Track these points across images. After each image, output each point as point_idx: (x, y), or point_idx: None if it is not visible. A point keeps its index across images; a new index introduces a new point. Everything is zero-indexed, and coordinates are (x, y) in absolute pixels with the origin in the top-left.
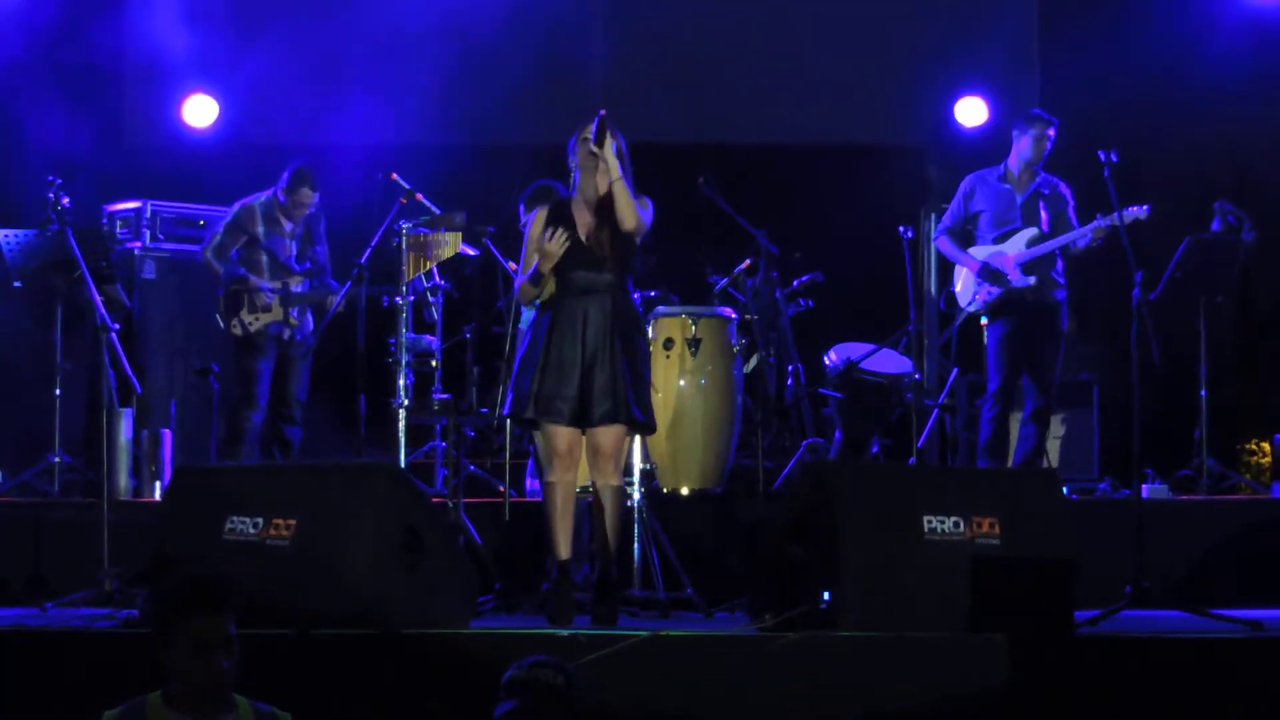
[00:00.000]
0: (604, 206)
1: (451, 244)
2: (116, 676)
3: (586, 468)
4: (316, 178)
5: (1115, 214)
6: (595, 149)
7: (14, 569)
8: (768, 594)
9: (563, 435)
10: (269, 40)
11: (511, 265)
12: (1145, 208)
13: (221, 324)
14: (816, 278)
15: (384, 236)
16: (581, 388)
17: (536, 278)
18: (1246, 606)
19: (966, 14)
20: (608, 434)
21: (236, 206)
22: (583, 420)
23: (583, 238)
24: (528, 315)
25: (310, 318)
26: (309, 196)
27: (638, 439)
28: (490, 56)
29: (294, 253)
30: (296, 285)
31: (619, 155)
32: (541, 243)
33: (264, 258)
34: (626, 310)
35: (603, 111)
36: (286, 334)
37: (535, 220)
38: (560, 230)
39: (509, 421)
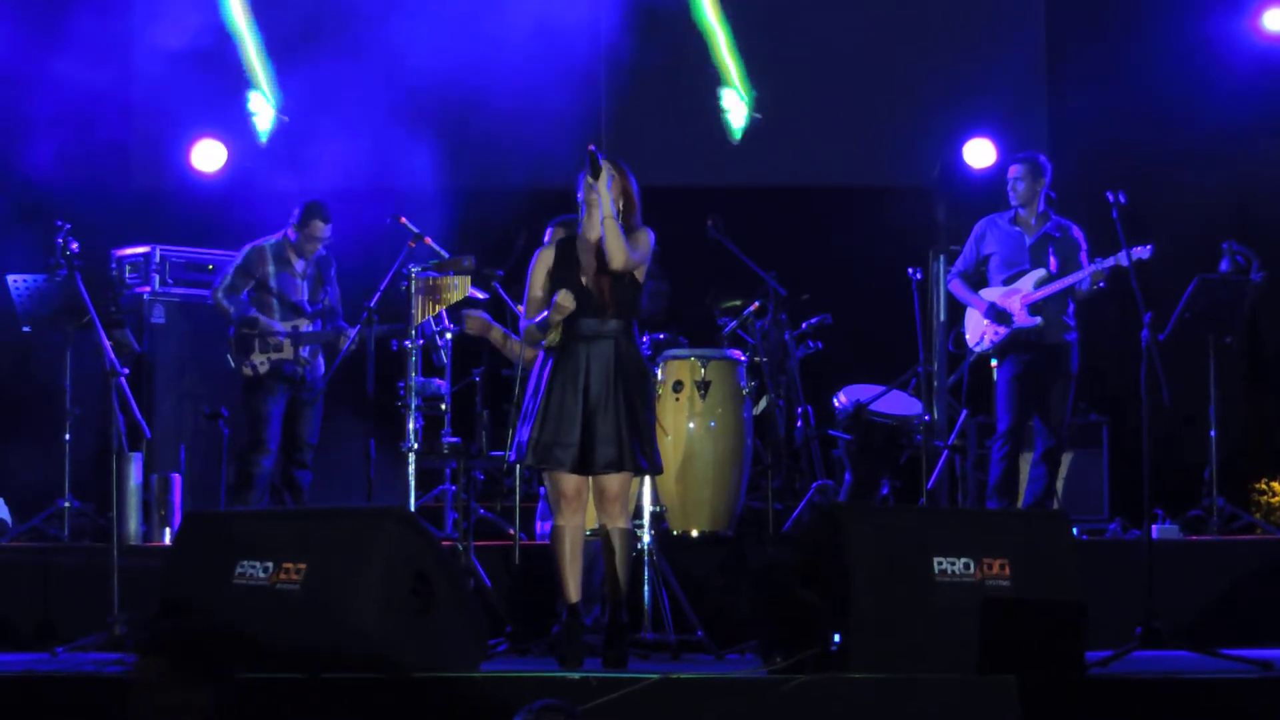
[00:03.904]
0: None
1: (460, 287)
2: None
3: (595, 508)
4: (328, 211)
5: (1117, 255)
6: (591, 179)
7: (24, 614)
8: (778, 636)
9: (568, 481)
10: (277, 85)
11: (520, 308)
12: (1149, 248)
13: (232, 364)
14: (825, 320)
15: (393, 280)
16: (583, 436)
17: (545, 326)
18: (1258, 646)
19: (974, 56)
20: (613, 479)
21: (247, 248)
22: (586, 468)
23: (586, 284)
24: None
25: (322, 359)
26: (321, 229)
27: (647, 481)
28: (498, 99)
29: (305, 293)
30: (308, 325)
31: (625, 192)
32: (554, 297)
33: (275, 299)
34: (631, 356)
35: (592, 147)
36: (298, 374)
37: (539, 259)
38: (568, 291)
39: (518, 465)
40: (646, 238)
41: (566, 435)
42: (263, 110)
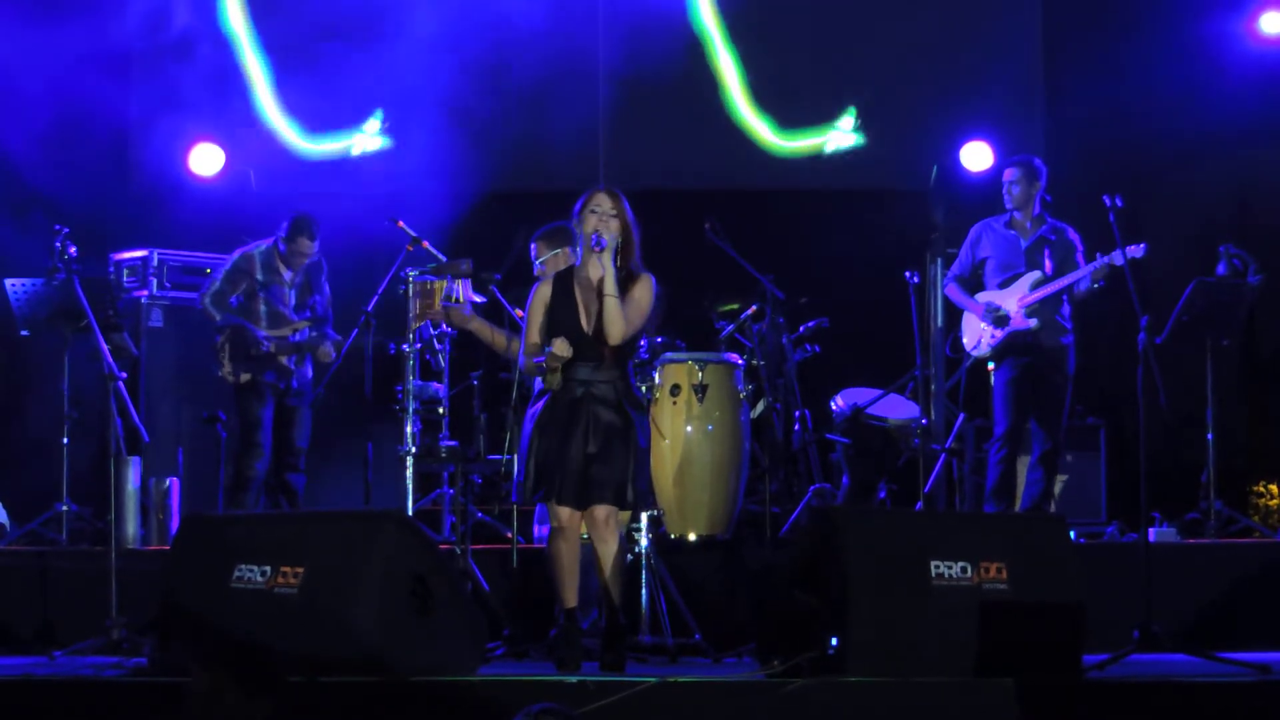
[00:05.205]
0: (602, 291)
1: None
2: None
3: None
4: (315, 227)
5: (1111, 254)
6: (596, 249)
7: (22, 617)
8: (776, 639)
9: (563, 511)
10: (276, 88)
11: (518, 312)
12: (1142, 247)
13: (217, 372)
14: (823, 323)
15: (390, 283)
16: (581, 477)
17: (543, 369)
18: (1255, 650)
19: (971, 59)
20: (602, 509)
21: (236, 254)
22: (581, 503)
23: (586, 330)
24: None
25: (309, 366)
26: (308, 246)
27: None
28: (496, 103)
29: (293, 302)
30: (294, 334)
31: (625, 228)
32: (551, 346)
33: (262, 306)
34: (630, 404)
35: (600, 242)
36: (284, 383)
37: (537, 294)
38: (564, 340)
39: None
40: (647, 292)
41: (559, 476)
42: (370, 133)
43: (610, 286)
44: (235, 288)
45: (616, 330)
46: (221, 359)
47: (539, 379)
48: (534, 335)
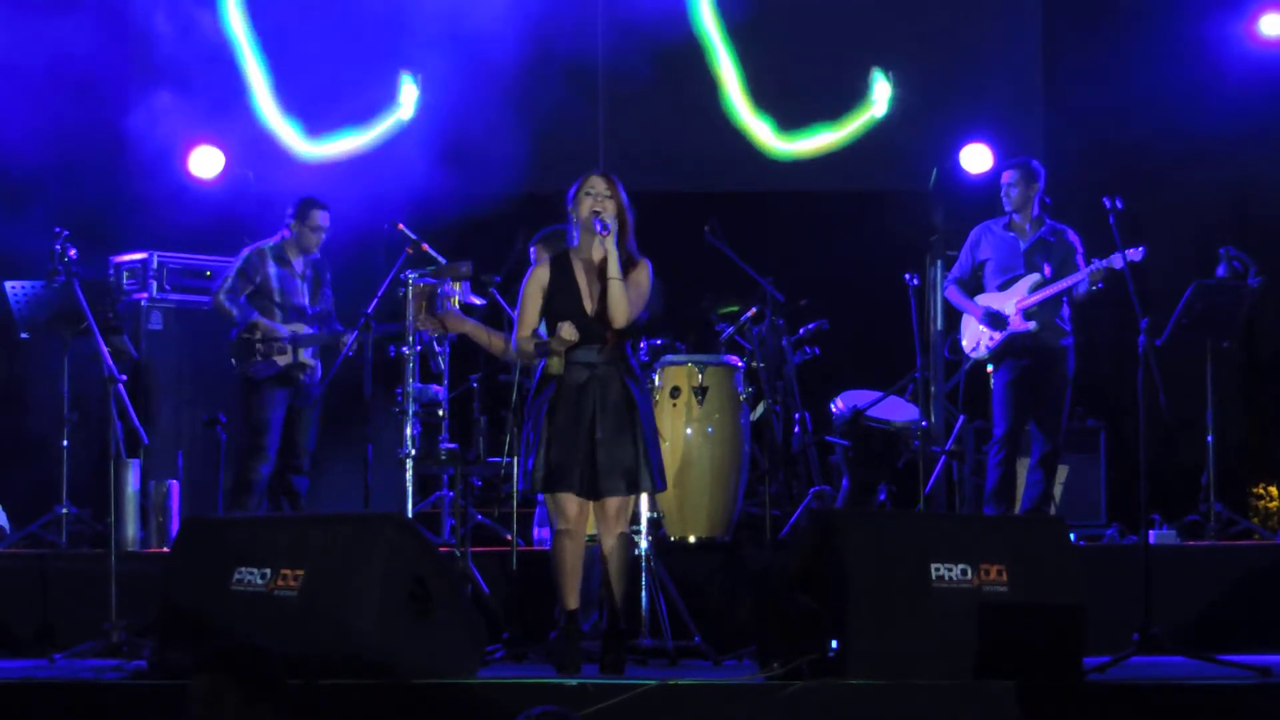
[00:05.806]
0: (605, 274)
1: (458, 293)
2: None
3: (594, 519)
4: (324, 200)
5: (1110, 257)
6: (602, 234)
7: (22, 620)
8: (776, 642)
9: (572, 502)
10: (275, 89)
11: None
12: (1140, 250)
13: (236, 368)
14: (822, 325)
15: (390, 286)
16: (589, 464)
17: (545, 352)
18: (1255, 652)
19: (971, 59)
20: (615, 500)
21: (247, 250)
22: (592, 493)
23: (587, 311)
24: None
25: (319, 363)
26: (320, 217)
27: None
28: (495, 104)
29: (306, 296)
30: (308, 329)
31: (620, 213)
32: (557, 329)
33: (277, 300)
34: (632, 380)
35: (602, 228)
36: (299, 377)
37: (534, 276)
38: (571, 324)
39: (527, 491)
40: (645, 275)
41: (572, 463)
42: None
43: (614, 270)
44: (248, 284)
45: (621, 312)
46: (239, 355)
47: (538, 370)
48: (532, 318)
